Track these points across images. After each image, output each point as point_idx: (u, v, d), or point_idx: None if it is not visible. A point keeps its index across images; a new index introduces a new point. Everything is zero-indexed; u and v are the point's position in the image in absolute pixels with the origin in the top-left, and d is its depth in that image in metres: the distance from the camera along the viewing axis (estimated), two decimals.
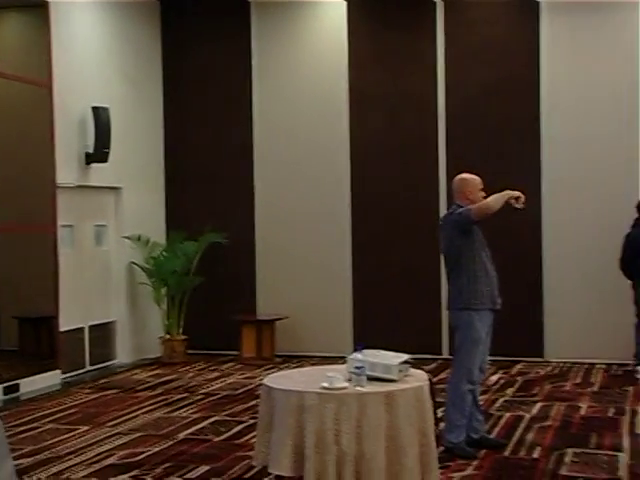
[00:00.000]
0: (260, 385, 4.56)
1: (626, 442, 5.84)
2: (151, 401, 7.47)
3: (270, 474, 4.60)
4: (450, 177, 6.02)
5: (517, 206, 5.47)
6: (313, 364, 8.22)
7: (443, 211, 8.43)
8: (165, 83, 10.18)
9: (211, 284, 9.73)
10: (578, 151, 9.00)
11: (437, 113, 9.32)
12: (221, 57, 9.98)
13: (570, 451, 5.59)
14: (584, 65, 8.99)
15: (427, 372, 4.73)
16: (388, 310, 9.46)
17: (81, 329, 8.99)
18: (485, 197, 5.53)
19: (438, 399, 5.11)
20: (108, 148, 8.90)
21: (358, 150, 9.57)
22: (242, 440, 6.03)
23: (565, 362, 8.94)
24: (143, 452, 5.76)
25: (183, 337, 9.62)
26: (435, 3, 9.29)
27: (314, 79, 9.71)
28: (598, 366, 8.76)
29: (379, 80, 9.49)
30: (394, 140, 9.44)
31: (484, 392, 7.02)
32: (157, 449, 5.84)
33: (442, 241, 5.76)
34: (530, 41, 9.07)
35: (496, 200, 5.42)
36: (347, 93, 9.57)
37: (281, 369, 7.82)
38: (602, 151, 8.94)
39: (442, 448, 5.35)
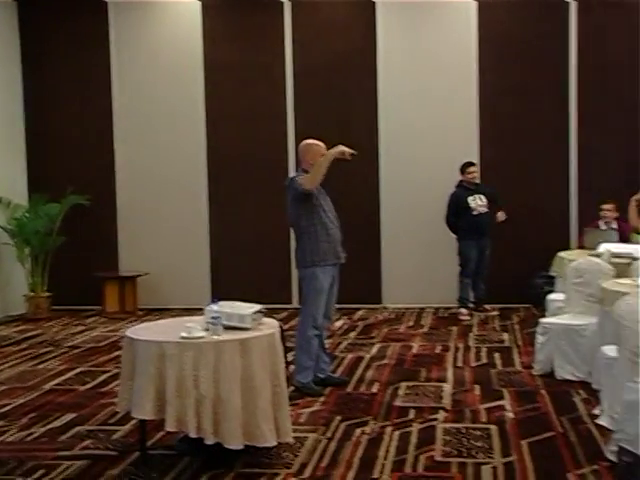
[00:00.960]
0: (123, 337, 4.45)
1: (450, 374, 6.16)
2: (16, 355, 7.15)
3: (133, 418, 4.53)
4: (298, 142, 6.04)
5: (347, 158, 5.56)
6: (173, 316, 8.10)
7: (292, 174, 8.48)
8: (23, 45, 9.55)
9: (75, 244, 9.36)
10: (410, 117, 9.23)
11: (285, 83, 9.32)
12: (80, 27, 9.49)
13: (404, 384, 5.84)
14: (413, 44, 9.23)
15: (278, 320, 4.77)
16: (242, 265, 9.47)
17: None
18: None
19: (288, 344, 5.18)
20: None
21: (213, 116, 9.43)
22: (106, 388, 5.91)
23: (400, 307, 9.29)
24: (8, 404, 5.52)
25: (47, 294, 9.25)
26: None
27: (171, 53, 9.44)
28: (428, 310, 9.15)
29: (231, 54, 9.36)
30: (246, 107, 9.37)
31: (330, 336, 7.18)
32: (22, 400, 5.62)
33: (286, 204, 5.72)
34: (367, 21, 9.20)
35: (319, 168, 5.47)
36: (202, 65, 9.39)
37: (143, 321, 7.66)
38: (432, 117, 9.23)
39: (292, 388, 5.46)
